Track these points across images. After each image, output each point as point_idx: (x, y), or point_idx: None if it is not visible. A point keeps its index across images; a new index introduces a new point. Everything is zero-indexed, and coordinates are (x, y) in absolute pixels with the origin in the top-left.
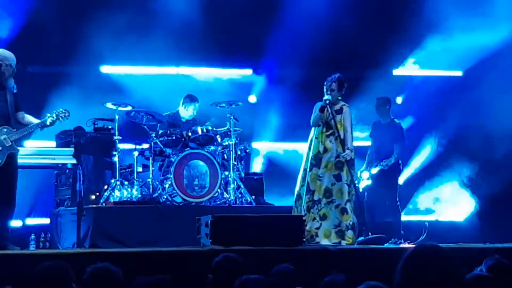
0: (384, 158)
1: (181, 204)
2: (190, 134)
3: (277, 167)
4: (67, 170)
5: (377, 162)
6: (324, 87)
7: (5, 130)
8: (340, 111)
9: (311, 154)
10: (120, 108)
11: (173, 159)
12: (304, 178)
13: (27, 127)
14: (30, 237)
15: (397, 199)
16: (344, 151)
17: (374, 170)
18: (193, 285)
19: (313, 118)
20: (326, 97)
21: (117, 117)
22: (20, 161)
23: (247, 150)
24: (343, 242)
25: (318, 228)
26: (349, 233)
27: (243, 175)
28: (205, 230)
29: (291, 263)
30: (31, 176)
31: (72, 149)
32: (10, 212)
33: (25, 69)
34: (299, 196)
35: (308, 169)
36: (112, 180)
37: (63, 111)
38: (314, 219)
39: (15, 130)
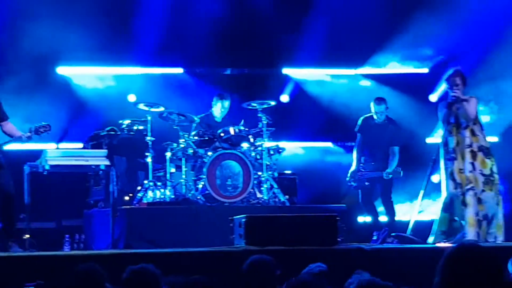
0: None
1: (214, 204)
2: (222, 134)
3: (310, 167)
4: (100, 172)
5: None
6: (446, 83)
7: None
8: (466, 102)
9: (446, 151)
10: (152, 109)
11: (206, 160)
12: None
13: (6, 141)
14: (64, 238)
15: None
16: (477, 141)
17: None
18: (227, 286)
19: (441, 116)
20: (452, 93)
21: (149, 118)
22: (54, 163)
23: (280, 150)
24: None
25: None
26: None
27: (276, 175)
28: (239, 231)
29: (325, 264)
30: (64, 177)
31: (105, 150)
32: None
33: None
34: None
35: (450, 168)
36: (145, 181)
37: (44, 125)
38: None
39: None
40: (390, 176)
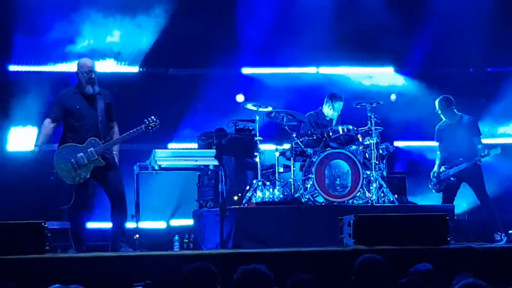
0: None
1: (323, 203)
2: (331, 133)
3: (420, 166)
4: (209, 172)
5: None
6: None
7: (93, 142)
8: None
9: None
10: (260, 109)
11: (314, 159)
12: None
13: (113, 140)
14: (174, 238)
15: None
16: None
17: None
18: (336, 285)
19: None
20: None
21: (257, 118)
22: (164, 163)
23: (389, 149)
24: None
25: None
26: None
27: (385, 174)
28: (348, 230)
29: (434, 263)
30: (174, 177)
31: (214, 150)
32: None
33: (166, 72)
34: None
35: None
36: (254, 181)
37: (154, 120)
38: None
39: (102, 142)
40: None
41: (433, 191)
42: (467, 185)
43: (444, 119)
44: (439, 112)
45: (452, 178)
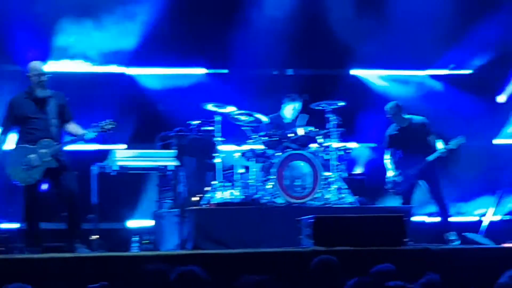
0: None
1: (283, 205)
2: (291, 135)
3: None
4: (169, 172)
5: None
6: None
7: (45, 143)
8: None
9: None
10: (221, 110)
11: (274, 160)
12: None
13: (68, 140)
14: (133, 239)
15: None
16: None
17: None
18: (294, 286)
19: None
20: None
21: (218, 118)
22: (124, 163)
23: (349, 151)
24: None
25: None
26: None
27: (345, 175)
28: (307, 231)
29: (391, 263)
30: (134, 178)
31: (174, 151)
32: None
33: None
34: None
35: None
36: (214, 182)
37: (109, 122)
38: None
39: (57, 143)
40: None
41: (392, 194)
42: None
43: (395, 123)
44: (390, 116)
45: (411, 179)
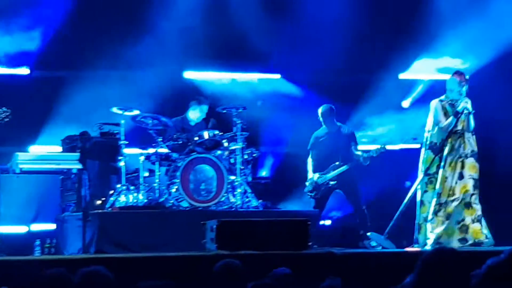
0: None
1: (187, 208)
2: (196, 138)
3: (285, 171)
4: (73, 175)
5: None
6: (464, 89)
7: None
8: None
9: (436, 157)
10: (126, 113)
11: (179, 164)
12: (427, 183)
13: None
14: (35, 243)
15: None
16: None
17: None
18: None
19: (447, 124)
20: (467, 105)
21: (123, 121)
22: (26, 166)
23: (254, 155)
24: (469, 237)
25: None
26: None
27: (250, 179)
28: (211, 235)
29: (294, 268)
30: (37, 181)
31: (78, 154)
32: None
33: (30, 74)
34: (421, 202)
35: (434, 173)
36: (118, 185)
37: (4, 110)
38: (443, 222)
39: None
40: None
41: (309, 197)
42: None
43: (324, 126)
44: (321, 119)
45: (331, 183)
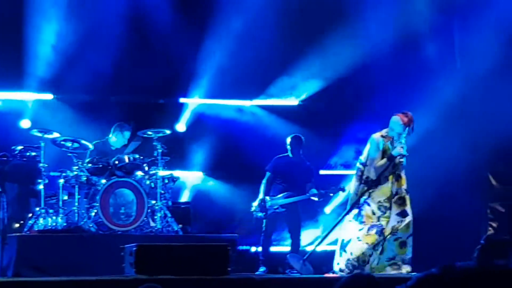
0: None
1: (106, 232)
2: (117, 162)
3: (205, 196)
4: None
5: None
6: (405, 133)
7: None
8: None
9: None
10: (46, 136)
11: (99, 187)
12: (357, 215)
13: None
14: None
15: None
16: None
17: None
18: None
19: (380, 166)
20: (402, 152)
21: (43, 144)
22: None
23: (175, 179)
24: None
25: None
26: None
27: (170, 204)
28: (130, 259)
29: None
30: None
31: None
32: None
33: None
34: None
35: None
36: (37, 208)
37: None
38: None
39: None
40: None
41: (256, 217)
42: None
43: (288, 154)
44: (288, 147)
45: (280, 208)
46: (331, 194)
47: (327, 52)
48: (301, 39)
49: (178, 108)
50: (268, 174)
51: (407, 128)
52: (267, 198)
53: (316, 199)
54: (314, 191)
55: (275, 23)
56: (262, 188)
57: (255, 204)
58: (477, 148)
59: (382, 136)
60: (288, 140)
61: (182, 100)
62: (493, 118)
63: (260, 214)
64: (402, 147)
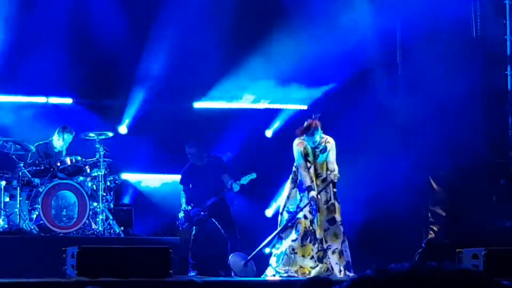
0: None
1: (48, 235)
2: (59, 164)
3: (148, 198)
4: None
5: None
6: (317, 134)
7: None
8: (324, 150)
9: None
10: None
11: (41, 189)
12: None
13: None
14: None
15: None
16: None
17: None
18: None
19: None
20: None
21: None
22: None
23: (117, 181)
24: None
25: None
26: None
27: (112, 206)
28: (71, 261)
29: None
30: None
31: None
32: None
33: None
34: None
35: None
36: None
37: None
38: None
39: None
40: None
41: (181, 228)
42: None
43: (192, 162)
44: (189, 156)
45: (202, 213)
46: (245, 182)
47: (272, 52)
48: (245, 40)
49: (121, 110)
50: (183, 187)
51: (313, 132)
52: (189, 207)
53: (236, 190)
54: (229, 183)
55: (218, 26)
56: (182, 200)
57: (180, 215)
58: (419, 151)
59: (299, 143)
60: (186, 150)
61: (125, 102)
62: (436, 121)
63: (184, 225)
64: (328, 142)
